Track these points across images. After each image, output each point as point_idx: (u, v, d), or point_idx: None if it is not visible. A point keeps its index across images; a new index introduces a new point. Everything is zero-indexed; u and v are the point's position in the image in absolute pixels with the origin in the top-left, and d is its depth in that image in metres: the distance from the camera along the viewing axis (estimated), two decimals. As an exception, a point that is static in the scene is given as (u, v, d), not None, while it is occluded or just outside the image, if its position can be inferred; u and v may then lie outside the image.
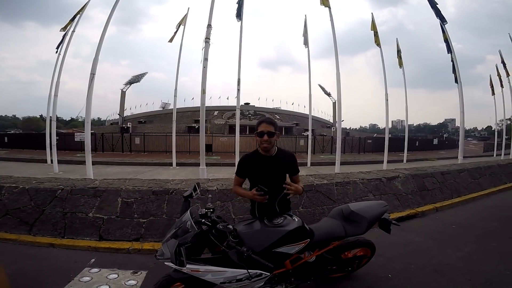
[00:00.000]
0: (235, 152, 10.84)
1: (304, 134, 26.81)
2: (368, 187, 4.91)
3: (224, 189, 3.92)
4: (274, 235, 1.96)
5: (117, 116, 42.53)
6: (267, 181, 2.13)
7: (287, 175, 2.27)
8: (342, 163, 10.15)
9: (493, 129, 34.63)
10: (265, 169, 2.21)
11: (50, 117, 12.28)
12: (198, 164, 7.56)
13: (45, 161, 13.16)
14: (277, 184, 2.14)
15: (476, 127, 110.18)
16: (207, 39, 6.94)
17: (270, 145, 2.19)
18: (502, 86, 19.15)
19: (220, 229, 1.82)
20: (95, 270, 2.82)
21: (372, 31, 12.56)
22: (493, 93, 20.12)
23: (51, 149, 11.83)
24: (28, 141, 21.66)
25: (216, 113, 41.39)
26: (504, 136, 21.50)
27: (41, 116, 67.88)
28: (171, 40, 12.91)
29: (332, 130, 35.48)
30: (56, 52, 11.86)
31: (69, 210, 3.62)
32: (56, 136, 12.11)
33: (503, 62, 17.61)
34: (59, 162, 11.75)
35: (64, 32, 11.29)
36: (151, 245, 3.37)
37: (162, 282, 1.92)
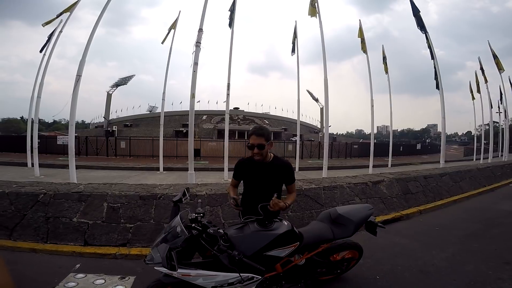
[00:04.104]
0: (223, 157, 10.81)
1: (292, 139, 27.06)
2: (355, 191, 5.00)
3: (213, 194, 3.90)
4: (264, 239, 1.97)
5: (102, 119, 41.67)
6: (259, 186, 2.20)
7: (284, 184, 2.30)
8: (329, 168, 10.28)
9: (472, 134, 36.05)
10: (258, 175, 2.23)
11: (32, 119, 11.87)
12: (185, 169, 7.48)
13: (26, 165, 12.66)
14: (268, 190, 2.13)
15: (457, 132, 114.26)
16: (198, 43, 6.93)
17: (261, 157, 2.19)
18: (479, 92, 19.96)
19: (211, 233, 1.81)
20: (81, 275, 2.74)
21: (359, 38, 12.91)
22: (473, 98, 20.86)
23: (32, 152, 11.40)
24: (7, 144, 20.78)
25: (204, 117, 41.15)
26: (483, 141, 22.32)
27: (22, 117, 65.32)
28: (163, 42, 12.92)
29: (320, 135, 35.95)
30: (41, 52, 11.56)
31: (52, 215, 3.50)
32: (38, 138, 11.71)
33: (481, 68, 18.33)
34: (41, 165, 11.31)
35: (50, 31, 11.02)
36: (139, 250, 3.30)
37: (152, 287, 1.88)
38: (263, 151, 2.17)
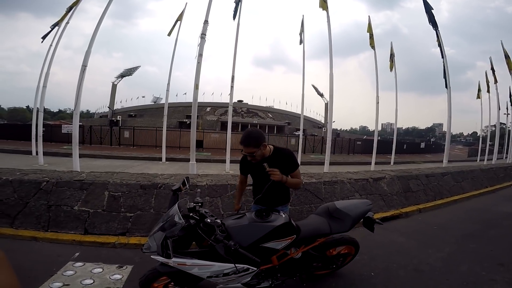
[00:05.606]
0: (226, 149, 10.83)
1: (296, 133, 27.02)
2: (355, 187, 5.00)
3: (214, 184, 3.92)
4: (261, 230, 1.99)
5: (107, 109, 41.82)
6: (263, 180, 2.24)
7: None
8: (331, 163, 10.27)
9: (478, 135, 35.63)
10: (261, 170, 2.19)
11: (37, 108, 11.97)
12: (188, 160, 7.50)
13: (30, 153, 12.79)
14: (272, 182, 2.17)
15: (462, 133, 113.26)
16: (203, 35, 6.90)
17: (257, 160, 2.21)
18: (489, 92, 19.60)
19: (208, 223, 1.83)
20: (79, 264, 2.78)
21: (368, 34, 12.71)
22: (478, 97, 20.48)
23: (36, 140, 11.53)
24: (13, 132, 20.99)
25: (208, 109, 41.20)
26: (488, 142, 22.05)
27: (27, 107, 65.86)
28: (169, 34, 12.87)
29: (323, 130, 35.78)
30: (42, 39, 11.59)
31: (54, 203, 3.55)
32: (43, 127, 11.82)
33: (492, 68, 17.95)
34: (45, 154, 11.45)
35: (56, 24, 11.04)
36: (138, 239, 3.34)
37: (148, 275, 1.92)
38: (256, 156, 2.17)
